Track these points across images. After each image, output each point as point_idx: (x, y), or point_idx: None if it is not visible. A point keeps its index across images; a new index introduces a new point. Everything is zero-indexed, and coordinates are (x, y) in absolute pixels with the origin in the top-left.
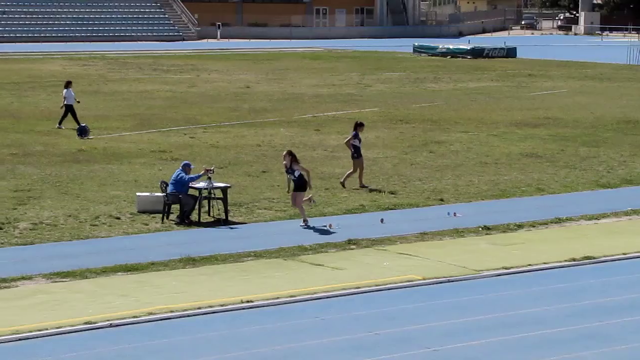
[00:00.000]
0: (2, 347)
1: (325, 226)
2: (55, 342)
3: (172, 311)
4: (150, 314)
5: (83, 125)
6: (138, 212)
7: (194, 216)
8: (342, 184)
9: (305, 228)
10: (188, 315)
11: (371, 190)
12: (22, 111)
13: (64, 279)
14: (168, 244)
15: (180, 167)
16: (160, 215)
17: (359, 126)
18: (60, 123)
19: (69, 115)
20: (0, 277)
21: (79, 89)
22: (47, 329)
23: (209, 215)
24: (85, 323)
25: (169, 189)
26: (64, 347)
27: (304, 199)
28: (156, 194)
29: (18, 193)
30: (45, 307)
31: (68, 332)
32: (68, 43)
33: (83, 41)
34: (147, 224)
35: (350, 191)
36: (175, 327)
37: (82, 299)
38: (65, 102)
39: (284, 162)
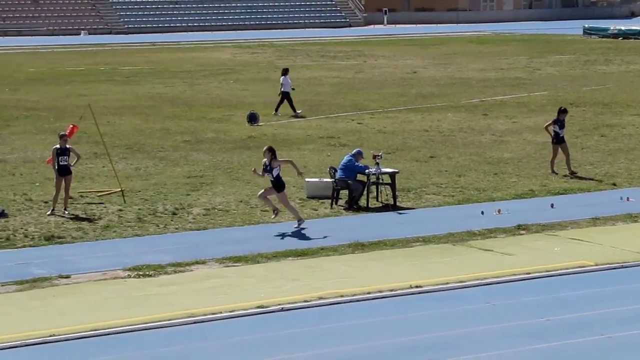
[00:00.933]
0: (178, 330)
1: (494, 212)
2: (229, 325)
3: (341, 296)
4: (321, 298)
5: (253, 112)
6: (307, 197)
7: (362, 201)
8: (553, 172)
9: (297, 229)
10: (358, 300)
11: (580, 178)
12: (194, 99)
13: (236, 264)
14: (337, 229)
15: (351, 154)
16: (329, 200)
17: (561, 112)
18: (276, 110)
19: (285, 101)
20: (175, 261)
21: (248, 76)
22: (220, 312)
23: (377, 200)
24: (258, 307)
25: (338, 174)
26: (237, 330)
27: (275, 214)
28: (325, 179)
29: (191, 179)
30: (218, 291)
31: (241, 316)
32: (238, 31)
33: (252, 29)
34: (316, 209)
35: (520, 176)
36: (345, 311)
37: (254, 283)
38: (282, 89)
39: (264, 159)
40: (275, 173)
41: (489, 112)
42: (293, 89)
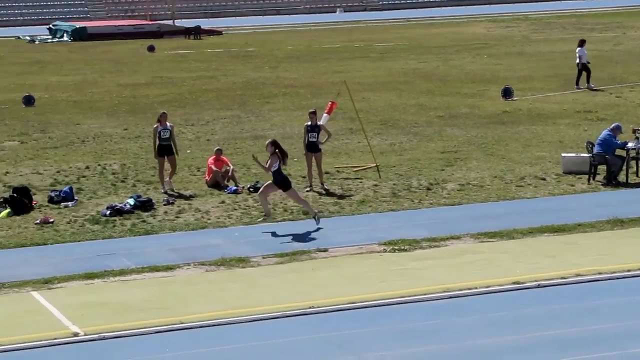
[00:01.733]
0: (434, 304)
1: None
2: (484, 300)
3: (600, 273)
4: (578, 275)
5: (507, 86)
6: (563, 172)
7: (621, 177)
8: None
9: (318, 227)
10: (617, 278)
11: None
12: (448, 74)
13: (491, 239)
14: (595, 205)
15: (610, 129)
16: (586, 176)
17: None
18: (577, 83)
19: (584, 74)
20: (430, 236)
21: (502, 50)
22: (476, 288)
23: (637, 176)
24: (513, 283)
25: (595, 149)
26: (493, 306)
27: (266, 216)
28: (582, 154)
29: (445, 155)
30: (473, 267)
31: (496, 292)
32: (492, 5)
33: (507, 3)
34: (572, 185)
35: None
36: (603, 289)
37: (509, 259)
38: (578, 61)
39: (268, 151)
40: (274, 168)
41: None
42: (588, 62)
